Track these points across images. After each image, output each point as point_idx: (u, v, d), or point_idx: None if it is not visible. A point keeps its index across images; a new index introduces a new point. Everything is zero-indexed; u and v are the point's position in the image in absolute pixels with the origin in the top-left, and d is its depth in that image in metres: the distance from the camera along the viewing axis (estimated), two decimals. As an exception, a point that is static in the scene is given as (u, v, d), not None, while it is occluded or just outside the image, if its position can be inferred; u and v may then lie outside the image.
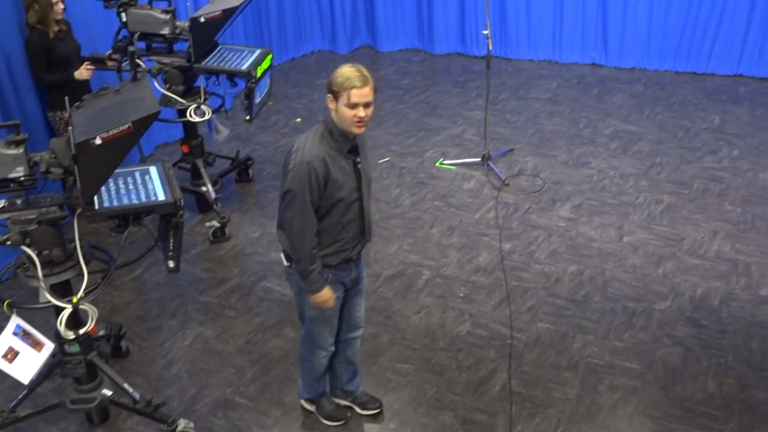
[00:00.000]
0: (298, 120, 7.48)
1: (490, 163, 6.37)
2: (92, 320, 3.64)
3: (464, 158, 6.61)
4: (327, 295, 3.47)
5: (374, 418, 4.04)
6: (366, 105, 3.23)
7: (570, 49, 8.69)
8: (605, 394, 4.11)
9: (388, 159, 6.70)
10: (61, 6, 5.15)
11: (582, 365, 4.31)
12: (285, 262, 3.56)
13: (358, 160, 3.41)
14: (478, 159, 6.46)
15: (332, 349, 3.82)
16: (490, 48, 6.01)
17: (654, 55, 8.35)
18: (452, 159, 6.63)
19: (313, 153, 3.24)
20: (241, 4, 5.44)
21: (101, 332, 4.39)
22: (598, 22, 8.45)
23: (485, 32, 5.96)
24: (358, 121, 3.23)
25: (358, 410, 4.09)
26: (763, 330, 4.50)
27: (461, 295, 4.94)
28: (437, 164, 6.57)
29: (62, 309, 3.49)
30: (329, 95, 3.26)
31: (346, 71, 3.21)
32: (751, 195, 5.87)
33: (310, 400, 4.08)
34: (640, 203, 5.84)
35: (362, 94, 3.19)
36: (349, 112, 3.21)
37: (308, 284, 3.43)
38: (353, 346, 3.93)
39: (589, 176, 6.27)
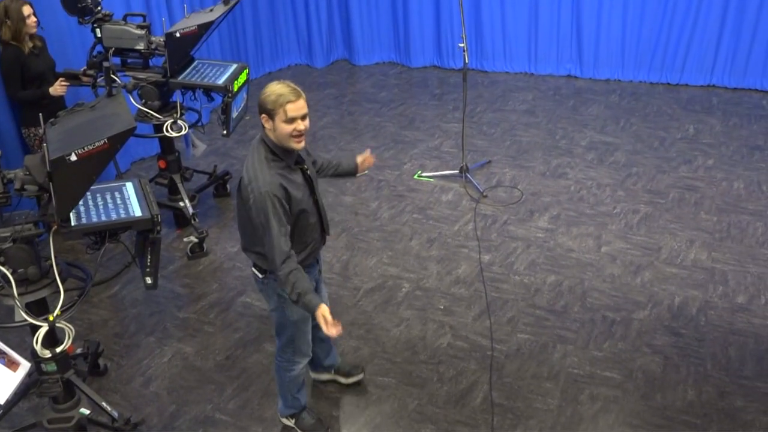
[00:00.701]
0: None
1: (468, 175, 6.39)
2: (69, 338, 3.59)
3: (442, 170, 6.62)
4: (325, 308, 3.32)
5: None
6: (303, 117, 3.25)
7: (545, 62, 8.77)
8: (586, 404, 4.12)
9: (366, 172, 6.68)
10: (33, 19, 5.10)
11: (562, 375, 4.32)
12: (259, 275, 3.59)
13: (305, 167, 3.46)
14: (456, 171, 6.48)
15: (310, 352, 3.85)
16: (467, 61, 6.04)
17: (628, 66, 8.44)
18: (430, 171, 6.65)
19: (268, 181, 3.25)
20: (216, 18, 5.43)
21: (78, 350, 4.34)
22: (572, 34, 8.53)
23: (461, 45, 5.98)
24: (297, 135, 3.26)
25: (343, 380, 4.26)
26: (741, 337, 4.54)
27: (441, 307, 4.94)
28: (415, 177, 6.58)
29: (38, 327, 3.44)
30: (263, 115, 3.26)
31: (277, 88, 3.23)
32: (726, 204, 5.94)
33: (290, 416, 4.06)
34: (617, 213, 5.89)
35: (298, 107, 3.21)
36: (287, 128, 3.22)
37: (306, 308, 3.35)
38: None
39: (567, 187, 6.30)
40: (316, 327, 3.83)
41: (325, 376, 4.28)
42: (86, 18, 5.28)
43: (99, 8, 5.32)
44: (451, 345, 4.60)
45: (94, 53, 5.45)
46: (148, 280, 3.66)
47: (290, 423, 4.06)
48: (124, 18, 5.40)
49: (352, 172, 3.95)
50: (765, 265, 5.17)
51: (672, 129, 7.27)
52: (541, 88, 8.42)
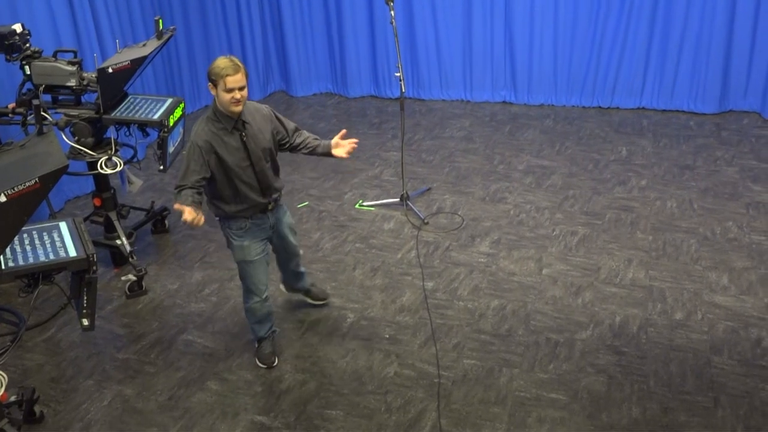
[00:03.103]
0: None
1: (409, 203, 6.42)
2: (1, 386, 3.47)
3: (383, 199, 6.64)
4: (184, 208, 3.93)
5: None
6: (240, 88, 3.94)
7: (480, 89, 8.90)
8: (534, 427, 4.13)
9: (307, 204, 6.67)
10: None
11: (510, 399, 4.33)
12: (215, 217, 4.38)
13: (244, 134, 4.09)
14: (397, 199, 6.50)
15: (264, 295, 4.50)
16: (403, 89, 6.09)
17: (561, 91, 8.63)
18: (371, 200, 6.66)
19: (199, 133, 4.03)
20: (150, 53, 5.36)
21: (12, 398, 4.18)
22: (506, 61, 8.69)
23: (398, 74, 6.04)
24: (235, 102, 3.95)
25: (309, 300, 5.15)
26: (681, 353, 4.63)
27: (387, 336, 4.92)
28: (357, 206, 6.59)
29: (-32, 377, 3.31)
30: (210, 83, 3.98)
31: (221, 62, 3.94)
32: (660, 222, 6.08)
33: (257, 343, 4.74)
34: (556, 235, 5.98)
35: (236, 80, 3.92)
36: (227, 96, 3.94)
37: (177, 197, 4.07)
38: (295, 261, 4.81)
39: (506, 211, 6.38)
40: (287, 260, 4.76)
41: (296, 295, 5.14)
42: (14, 55, 5.16)
43: (27, 45, 5.21)
44: (398, 374, 4.58)
45: (24, 90, 5.33)
46: (85, 322, 3.57)
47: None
48: (55, 54, 5.29)
49: (328, 154, 4.51)
50: (700, 281, 5.30)
51: (605, 151, 7.45)
52: (478, 115, 8.54)
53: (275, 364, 4.67)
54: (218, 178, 4.11)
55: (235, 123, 4.06)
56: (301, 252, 4.93)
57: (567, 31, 8.32)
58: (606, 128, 8.00)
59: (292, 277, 4.96)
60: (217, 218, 4.39)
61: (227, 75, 3.89)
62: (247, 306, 4.58)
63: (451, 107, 8.82)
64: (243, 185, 4.16)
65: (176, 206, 3.97)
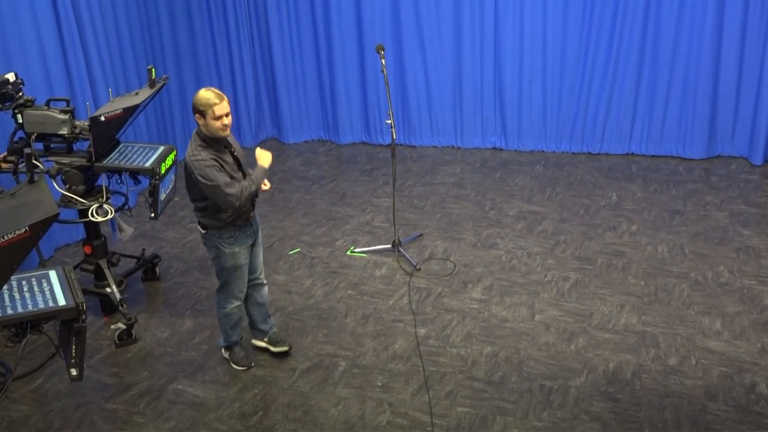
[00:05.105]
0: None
1: (401, 249, 6.41)
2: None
3: (375, 245, 6.64)
4: (264, 157, 4.74)
5: None
6: (227, 115, 4.36)
7: (471, 135, 8.97)
8: (529, 477, 4.07)
9: (298, 250, 6.66)
10: None
11: (504, 448, 4.28)
12: (201, 231, 4.67)
13: (233, 149, 4.59)
14: (389, 245, 6.50)
15: (242, 297, 4.86)
16: (394, 136, 6.13)
17: (551, 137, 8.71)
18: (363, 247, 6.65)
19: (204, 156, 4.35)
20: (142, 101, 5.40)
21: (-2, 450, 4.11)
22: (496, 108, 8.78)
23: (388, 121, 6.09)
24: (224, 127, 4.37)
25: (272, 348, 5.12)
26: (675, 399, 4.60)
27: (379, 384, 4.88)
28: (348, 253, 6.57)
29: (-47, 429, 3.25)
30: (197, 114, 4.35)
31: (206, 94, 4.33)
32: (652, 268, 6.09)
33: (226, 348, 5.06)
34: (548, 281, 5.97)
35: (222, 107, 4.33)
36: (216, 123, 4.34)
37: (258, 180, 4.61)
38: (259, 290, 5.02)
39: (498, 257, 6.38)
40: (253, 288, 4.95)
41: (260, 343, 5.17)
42: (6, 104, 5.18)
43: (20, 94, 5.24)
44: (391, 423, 4.52)
45: (16, 139, 5.34)
46: (73, 372, 3.53)
47: (226, 355, 5.09)
48: (47, 103, 5.32)
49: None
50: (692, 326, 5.29)
51: (596, 197, 7.49)
52: (469, 161, 8.60)
53: (253, 365, 5.02)
54: None
55: (225, 143, 4.53)
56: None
57: (555, 78, 8.44)
58: (596, 174, 8.05)
59: (259, 316, 5.11)
60: (204, 232, 4.65)
61: (215, 104, 4.29)
62: (225, 311, 4.88)
63: (442, 153, 8.88)
64: None
65: (263, 185, 4.69)
